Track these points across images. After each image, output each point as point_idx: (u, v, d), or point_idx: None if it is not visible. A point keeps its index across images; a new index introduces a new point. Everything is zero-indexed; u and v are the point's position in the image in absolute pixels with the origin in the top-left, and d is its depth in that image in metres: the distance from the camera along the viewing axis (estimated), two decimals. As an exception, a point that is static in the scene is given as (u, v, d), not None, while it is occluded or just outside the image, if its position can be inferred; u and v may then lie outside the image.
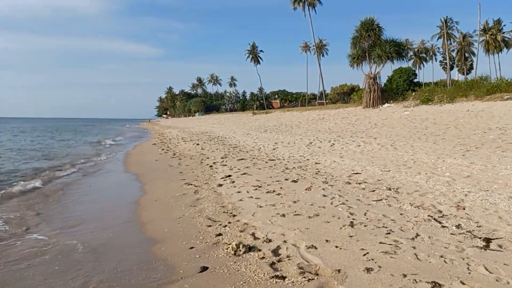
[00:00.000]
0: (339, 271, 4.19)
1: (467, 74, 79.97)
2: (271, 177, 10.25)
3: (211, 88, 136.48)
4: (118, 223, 7.26)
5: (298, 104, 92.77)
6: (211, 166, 13.20)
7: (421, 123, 21.17)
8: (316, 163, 12.29)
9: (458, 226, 5.43)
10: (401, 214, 6.23)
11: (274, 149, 17.29)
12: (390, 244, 4.82)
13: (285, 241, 5.28)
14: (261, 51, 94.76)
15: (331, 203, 7.08)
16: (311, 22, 66.19)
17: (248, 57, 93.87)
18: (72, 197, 10.16)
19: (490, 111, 21.43)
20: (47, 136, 43.79)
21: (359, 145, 15.56)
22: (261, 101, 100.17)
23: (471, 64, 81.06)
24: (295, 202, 7.38)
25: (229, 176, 10.90)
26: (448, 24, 75.96)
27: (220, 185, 9.79)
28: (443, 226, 5.48)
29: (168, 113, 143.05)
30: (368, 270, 4.12)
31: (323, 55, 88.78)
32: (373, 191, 7.93)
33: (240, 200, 7.98)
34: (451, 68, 78.85)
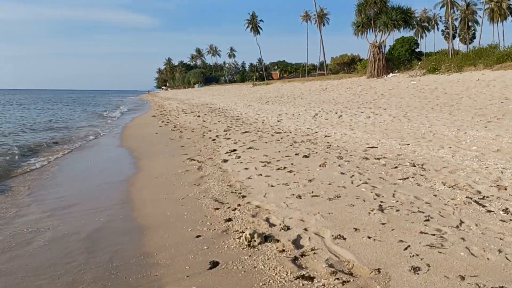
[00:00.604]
0: (379, 270, 3.47)
1: (469, 43, 78.51)
2: (279, 151, 9.49)
3: (210, 59, 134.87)
4: (115, 204, 6.54)
5: (299, 75, 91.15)
6: (214, 140, 12.44)
7: (431, 93, 20.29)
8: (326, 136, 11.53)
9: (506, 211, 4.70)
10: (435, 195, 5.49)
11: (278, 121, 16.50)
12: (434, 235, 4.09)
13: (306, 229, 4.56)
14: (261, 20, 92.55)
15: (352, 182, 6.34)
16: (313, -11, 63.93)
17: (247, 27, 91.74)
18: (68, 174, 9.48)
19: (502, 80, 20.50)
20: (50, 108, 42.96)
21: (369, 117, 14.76)
22: (260, 72, 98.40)
23: (473, 34, 79.44)
24: (310, 180, 6.64)
25: (234, 150, 10.14)
26: (452, -9, 74.07)
27: (225, 160, 9.04)
28: (488, 211, 4.75)
29: (167, 84, 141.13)
30: (415, 270, 3.40)
31: (324, 25, 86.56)
32: (396, 167, 7.18)
33: (249, 178, 7.23)
34: (453, 37, 77.22)
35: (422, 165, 7.24)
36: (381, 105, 18.24)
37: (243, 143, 11.17)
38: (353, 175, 6.75)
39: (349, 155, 8.61)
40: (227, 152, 9.98)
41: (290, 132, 12.91)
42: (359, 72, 41.20)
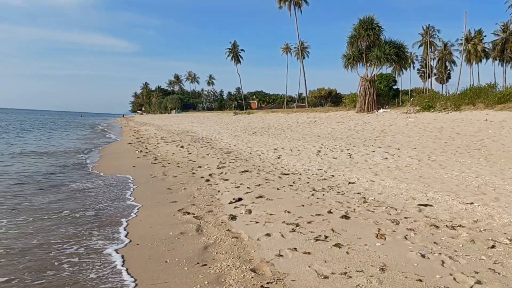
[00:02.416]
0: None
1: (445, 83, 79.89)
2: (302, 205, 7.16)
3: (188, 86, 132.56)
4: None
5: (278, 106, 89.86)
6: (207, 180, 10.07)
7: (439, 132, 18.52)
8: (349, 183, 9.32)
9: None
10: None
11: (278, 157, 14.24)
12: None
13: None
14: (242, 50, 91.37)
15: (452, 277, 4.06)
16: (296, 22, 63.37)
17: (228, 55, 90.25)
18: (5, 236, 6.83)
19: (513, 121, 18.99)
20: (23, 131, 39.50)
21: (386, 158, 12.69)
22: (239, 101, 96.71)
23: (449, 74, 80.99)
24: (382, 270, 4.32)
25: (240, 199, 7.79)
26: (430, 32, 75.60)
27: (233, 217, 6.65)
28: None
29: (143, 109, 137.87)
30: None
31: (304, 58, 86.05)
32: (493, 247, 4.96)
33: (279, 255, 4.86)
34: (429, 76, 78.26)
35: (527, 243, 5.05)
36: (389, 144, 16.28)
37: (248, 188, 8.82)
38: (443, 261, 4.47)
39: (403, 217, 6.36)
40: (231, 202, 7.61)
41: (300, 174, 10.66)
42: (347, 106, 39.71)
